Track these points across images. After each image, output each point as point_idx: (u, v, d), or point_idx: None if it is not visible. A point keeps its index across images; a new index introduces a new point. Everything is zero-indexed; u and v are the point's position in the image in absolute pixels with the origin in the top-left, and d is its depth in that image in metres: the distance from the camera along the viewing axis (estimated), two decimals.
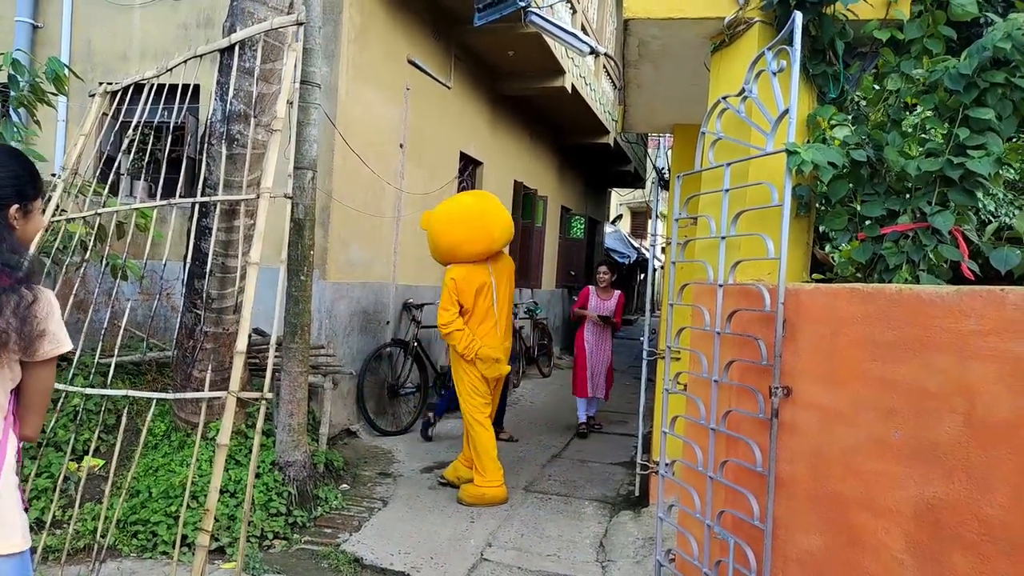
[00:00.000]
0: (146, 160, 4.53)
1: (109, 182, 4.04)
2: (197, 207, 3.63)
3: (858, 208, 2.81)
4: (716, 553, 2.86)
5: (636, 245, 23.09)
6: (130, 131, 4.00)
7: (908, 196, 2.73)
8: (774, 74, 2.68)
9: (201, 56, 3.66)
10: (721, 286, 2.87)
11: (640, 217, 31.10)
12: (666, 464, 3.35)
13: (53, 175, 4.47)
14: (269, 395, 3.05)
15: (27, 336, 1.57)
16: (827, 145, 2.69)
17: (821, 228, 3.53)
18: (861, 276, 2.82)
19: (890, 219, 2.73)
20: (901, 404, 2.13)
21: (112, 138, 4.57)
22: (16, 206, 1.66)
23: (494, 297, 4.61)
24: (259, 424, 3.01)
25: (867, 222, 2.77)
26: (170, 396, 3.34)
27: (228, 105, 3.58)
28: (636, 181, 16.59)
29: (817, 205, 3.01)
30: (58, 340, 1.65)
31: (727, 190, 2.88)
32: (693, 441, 3.02)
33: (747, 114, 2.86)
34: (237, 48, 3.49)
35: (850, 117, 2.91)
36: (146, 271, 4.15)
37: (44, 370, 1.68)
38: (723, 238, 2.88)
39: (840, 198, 2.83)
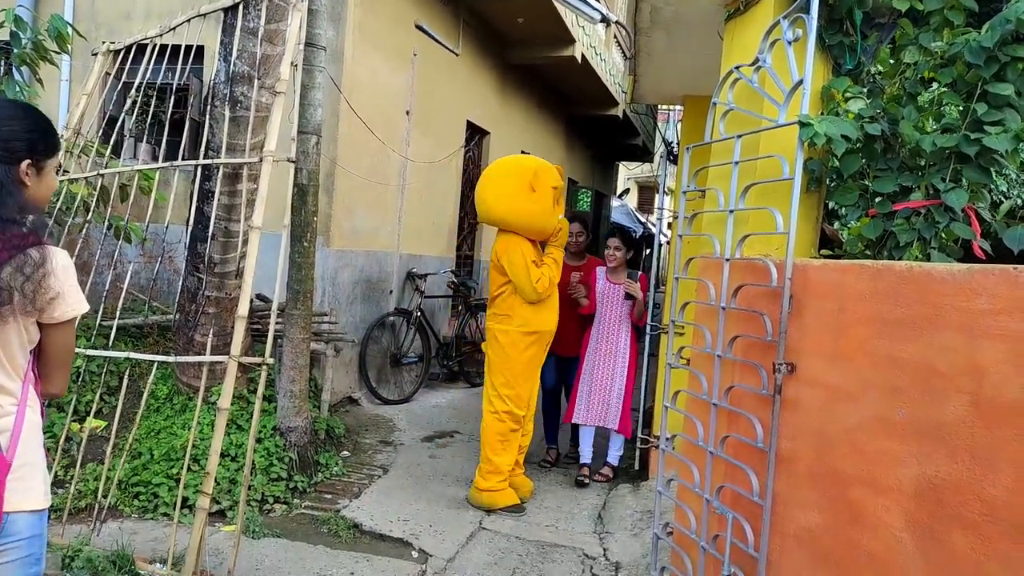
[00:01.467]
0: (149, 122, 4.48)
1: (112, 143, 4.00)
2: (200, 170, 3.59)
3: (870, 184, 2.76)
4: (714, 527, 2.86)
5: (643, 220, 22.97)
6: (132, 92, 3.95)
7: (922, 172, 2.67)
8: (789, 43, 2.61)
9: (205, 15, 3.60)
10: (728, 260, 2.83)
11: (647, 192, 30.90)
12: (667, 438, 3.34)
13: (60, 135, 4.42)
14: (270, 360, 3.04)
15: (35, 296, 1.53)
16: (841, 118, 2.64)
17: (830, 204, 3.48)
18: (871, 253, 2.77)
19: (902, 195, 2.68)
20: (907, 383, 2.11)
21: (115, 98, 4.51)
22: (28, 161, 1.59)
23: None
24: (260, 389, 3.00)
25: (878, 198, 2.72)
26: (172, 359, 3.34)
27: (231, 66, 3.52)
28: (644, 154, 16.43)
29: (828, 180, 2.96)
30: (75, 302, 1.62)
31: (737, 162, 2.82)
32: (694, 416, 3.00)
33: (760, 85, 2.80)
34: (241, 7, 3.43)
35: (865, 90, 2.84)
36: (148, 234, 4.12)
37: (63, 333, 1.65)
38: (731, 211, 2.83)
39: (852, 173, 2.78)
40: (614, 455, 4.98)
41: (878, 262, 2.27)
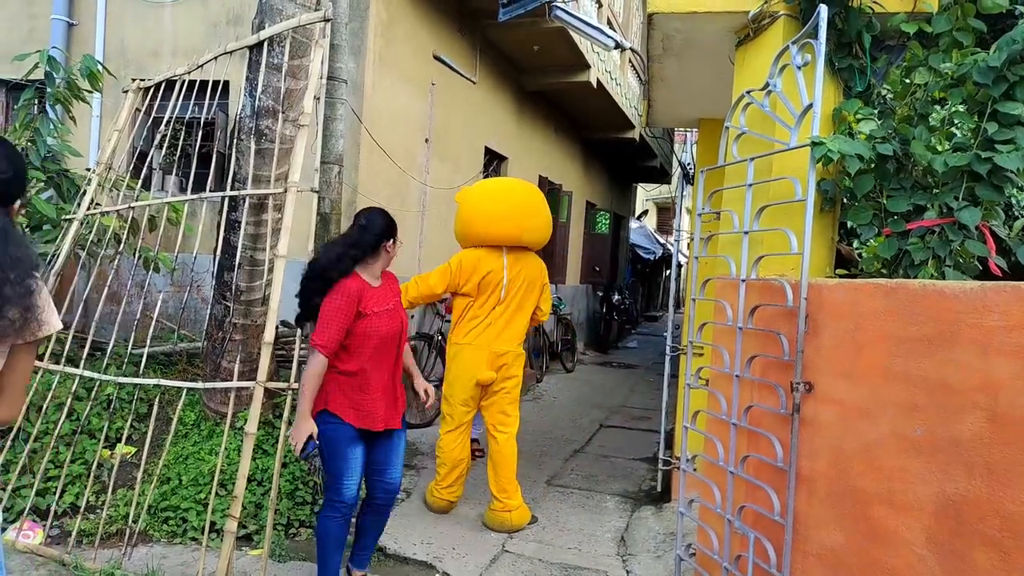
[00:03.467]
0: (177, 155, 4.62)
1: (141, 177, 4.15)
2: (227, 201, 3.70)
3: (884, 203, 2.80)
4: (736, 548, 2.86)
5: (662, 241, 22.97)
6: (162, 127, 4.09)
7: (935, 191, 2.71)
8: (799, 68, 2.67)
9: (231, 52, 3.73)
10: (744, 281, 2.87)
11: (666, 213, 30.90)
12: (687, 459, 3.36)
13: (88, 169, 4.57)
14: (295, 385, 3.11)
15: (29, 324, 1.60)
16: (853, 139, 2.68)
17: (849, 224, 3.51)
18: (886, 272, 2.80)
19: (916, 214, 2.71)
20: (923, 400, 2.12)
21: (144, 133, 4.67)
22: (20, 201, 1.74)
23: (501, 295, 4.19)
24: (285, 414, 3.08)
25: (892, 217, 2.75)
26: (199, 385, 3.42)
27: (256, 101, 3.64)
28: (662, 176, 16.50)
29: (843, 200, 2.99)
30: (49, 323, 1.66)
31: (750, 185, 2.87)
32: (714, 436, 3.03)
33: (771, 108, 2.85)
34: (266, 44, 3.55)
35: (876, 111, 2.89)
36: (177, 264, 4.24)
37: (29, 351, 1.68)
38: (746, 233, 2.87)
39: (865, 193, 2.81)
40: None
41: (892, 280, 2.30)
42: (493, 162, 8.44)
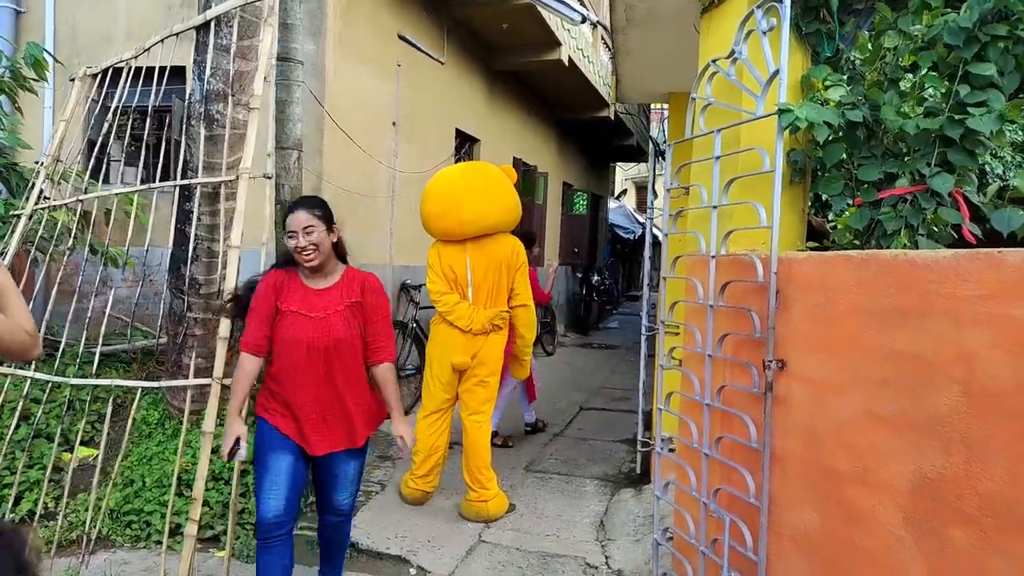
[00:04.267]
0: (132, 145, 4.45)
1: (100, 168, 3.98)
2: (179, 191, 3.55)
3: (855, 172, 2.71)
4: (712, 531, 2.79)
5: (641, 220, 22.89)
6: (109, 115, 3.92)
7: (906, 158, 2.62)
8: (764, 33, 2.56)
9: (178, 34, 3.56)
10: (713, 257, 2.77)
11: (645, 192, 30.78)
12: (662, 441, 3.28)
13: (37, 162, 4.39)
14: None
15: None
16: (821, 106, 2.58)
17: (824, 196, 3.42)
18: (859, 244, 2.71)
19: (888, 183, 2.62)
20: (897, 375, 2.04)
21: (98, 123, 4.48)
22: None
23: (468, 282, 4.11)
24: (244, 411, 2.95)
25: (864, 187, 2.66)
26: (155, 384, 3.29)
27: (206, 84, 3.48)
28: (639, 155, 16.39)
29: (813, 170, 2.90)
30: None
31: (718, 157, 2.77)
32: (688, 417, 2.94)
33: (737, 77, 2.75)
34: (213, 24, 3.39)
35: (845, 77, 2.79)
36: (132, 257, 4.07)
37: None
38: (715, 207, 2.78)
39: (836, 162, 2.72)
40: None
41: (862, 252, 2.22)
42: (465, 144, 8.29)
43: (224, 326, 2.98)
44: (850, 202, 2.71)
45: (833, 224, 3.04)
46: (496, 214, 4.12)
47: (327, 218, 2.68)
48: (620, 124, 12.41)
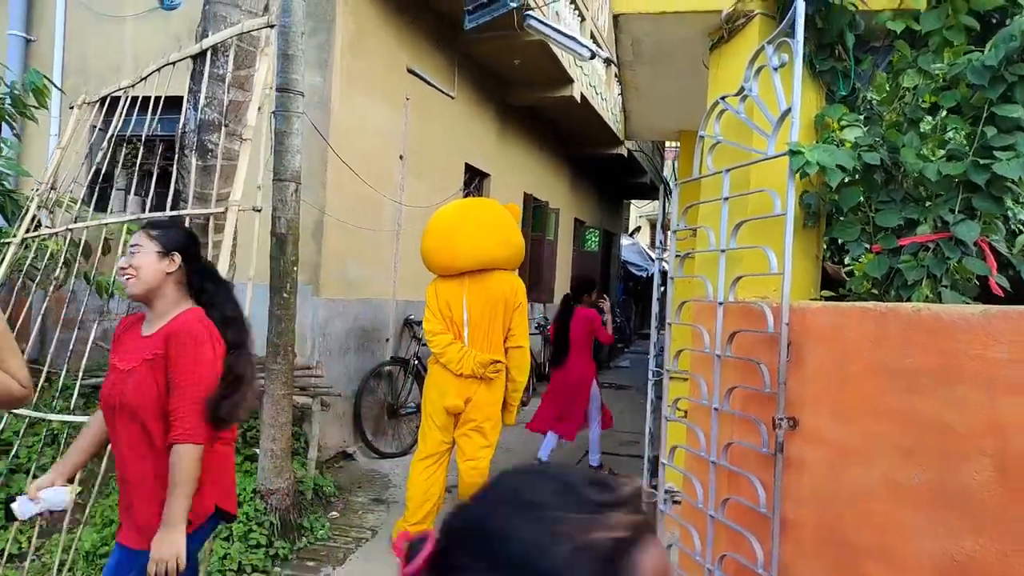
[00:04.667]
0: (136, 173, 4.36)
1: (95, 196, 3.89)
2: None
3: (872, 217, 2.55)
4: None
5: (655, 258, 22.71)
6: (105, 144, 3.84)
7: (928, 203, 2.46)
8: (775, 69, 2.42)
9: (174, 63, 3.49)
10: (721, 304, 2.61)
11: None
12: (664, 496, 3.09)
13: (34, 190, 4.32)
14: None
15: None
16: (835, 147, 2.43)
17: (841, 241, 3.26)
18: (877, 293, 2.54)
19: (908, 229, 2.46)
20: (921, 443, 1.86)
21: (102, 152, 4.41)
22: None
23: (464, 319, 3.96)
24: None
25: (882, 232, 2.50)
26: None
27: (200, 113, 3.39)
28: (652, 192, 16.29)
29: (828, 214, 2.74)
30: None
31: (727, 198, 2.62)
32: (693, 474, 2.75)
33: (747, 115, 2.61)
34: (209, 54, 3.31)
35: (862, 117, 2.64)
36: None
37: None
38: (723, 251, 2.62)
39: (852, 206, 2.56)
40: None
41: (882, 304, 2.04)
42: (475, 179, 8.20)
43: None
44: (868, 247, 2.54)
45: (850, 271, 2.87)
46: (492, 248, 3.99)
47: (167, 242, 2.13)
48: (633, 161, 12.33)
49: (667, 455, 2.98)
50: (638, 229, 24.27)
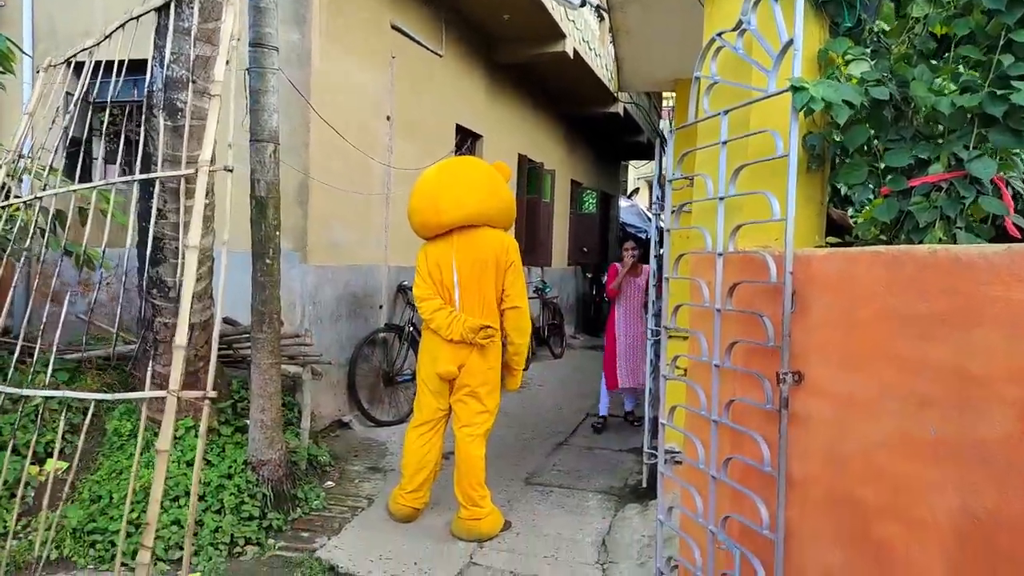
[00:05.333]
0: (112, 141, 4.20)
1: (84, 169, 3.72)
2: (139, 187, 3.27)
3: (880, 158, 2.39)
4: (721, 564, 2.48)
5: (652, 216, 22.46)
6: (72, 108, 3.67)
7: (940, 141, 2.31)
8: (775, 1, 2.24)
9: (138, 17, 3.29)
10: (720, 255, 2.46)
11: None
12: (667, 454, 2.98)
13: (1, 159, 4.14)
14: (212, 394, 2.70)
15: None
16: (841, 83, 2.27)
17: (842, 189, 3.10)
18: (886, 239, 2.40)
19: (919, 169, 2.30)
20: (937, 392, 1.73)
21: (69, 115, 4.22)
22: None
23: (454, 280, 3.83)
24: (203, 428, 2.68)
25: (891, 174, 2.35)
26: (106, 397, 3.02)
27: (166, 71, 3.21)
28: (650, 152, 16.01)
29: (833, 157, 2.58)
30: None
31: (725, 142, 2.46)
32: (694, 434, 2.63)
33: (746, 51, 2.43)
34: (173, 6, 3.12)
35: (869, 50, 2.47)
36: (109, 259, 3.81)
37: None
38: (721, 199, 2.46)
39: (859, 147, 2.41)
40: (631, 404, 6.45)
41: (894, 247, 1.90)
42: (466, 141, 8.00)
43: (181, 334, 2.70)
44: (875, 192, 2.39)
45: (856, 217, 2.72)
46: (478, 202, 3.83)
47: None
48: (630, 120, 12.08)
49: (666, 415, 2.86)
50: (636, 191, 23.95)
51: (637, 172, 24.76)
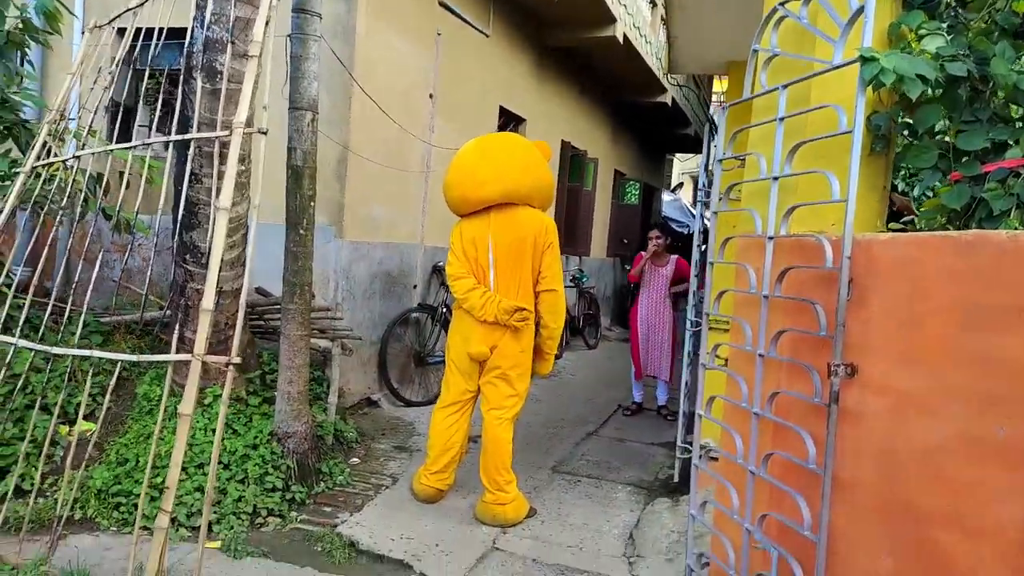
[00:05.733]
0: (158, 108, 4.18)
1: (126, 133, 3.71)
2: (176, 149, 3.23)
3: (951, 140, 2.22)
4: (757, 564, 2.35)
5: (696, 214, 22.08)
6: (114, 69, 3.65)
7: (1020, 124, 2.13)
8: None
9: None
10: (771, 239, 2.32)
11: None
12: (702, 449, 2.85)
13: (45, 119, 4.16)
14: (236, 359, 2.66)
15: None
16: (914, 56, 2.10)
17: (899, 184, 2.93)
18: (952, 228, 2.23)
19: (995, 153, 2.13)
20: (1008, 391, 1.57)
21: (111, 76, 4.21)
22: None
23: (489, 260, 3.70)
24: (225, 393, 2.64)
25: (964, 158, 2.17)
26: (132, 357, 3.00)
27: (206, 31, 3.16)
28: (697, 146, 15.71)
29: (898, 139, 2.41)
30: None
31: (782, 118, 2.31)
32: (733, 427, 2.50)
33: (810, 21, 2.28)
34: None
35: (945, 25, 2.29)
36: (145, 223, 3.80)
37: None
38: (775, 178, 2.31)
39: (928, 128, 2.24)
40: (663, 398, 6.25)
41: (967, 232, 1.74)
42: (509, 124, 7.88)
43: (208, 298, 2.65)
44: (945, 175, 2.22)
45: (920, 204, 2.54)
46: (517, 177, 3.71)
47: None
48: (678, 111, 11.83)
49: (704, 406, 2.73)
50: (680, 185, 23.56)
51: (682, 167, 24.36)
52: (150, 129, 5.62)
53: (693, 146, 15.79)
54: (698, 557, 2.78)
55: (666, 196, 17.55)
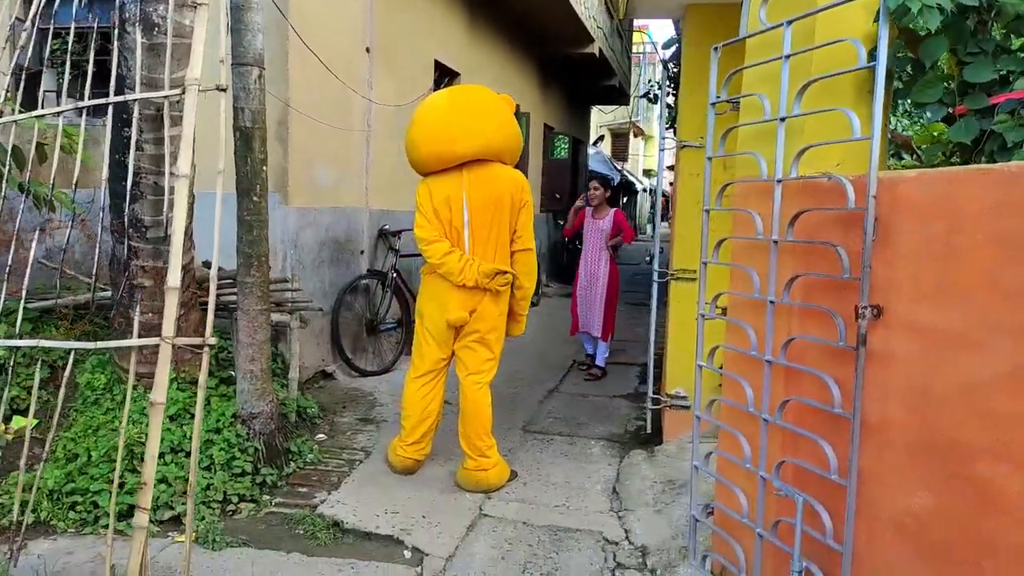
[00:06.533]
0: (71, 72, 3.73)
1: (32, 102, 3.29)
2: (114, 113, 2.90)
3: (955, 75, 2.19)
4: (772, 511, 2.34)
5: (619, 167, 22.33)
6: (25, 34, 3.23)
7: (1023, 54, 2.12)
8: None
9: None
10: (780, 182, 2.26)
11: (621, 139, 30.18)
12: (670, 397, 2.82)
13: None
14: (212, 340, 2.43)
15: None
16: None
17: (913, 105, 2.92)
18: (960, 162, 2.22)
19: (1000, 86, 2.12)
20: None
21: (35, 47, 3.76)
22: None
23: (464, 220, 3.51)
24: (203, 376, 2.42)
25: (969, 92, 2.16)
26: (89, 345, 2.70)
27: None
28: (620, 97, 15.76)
29: (898, 76, 2.38)
30: None
31: (788, 56, 2.23)
32: (740, 376, 2.47)
33: None
34: None
35: None
36: (75, 201, 3.43)
37: None
38: (782, 120, 2.25)
39: (933, 63, 2.20)
40: (601, 358, 6.12)
41: (1008, 164, 1.71)
42: (444, 78, 7.60)
43: (174, 275, 2.40)
44: (950, 110, 2.20)
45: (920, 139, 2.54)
46: (492, 132, 3.52)
47: None
48: (604, 63, 11.74)
49: (706, 357, 2.69)
50: (601, 138, 23.72)
51: (601, 119, 24.44)
52: (58, 95, 5.11)
53: (616, 97, 15.80)
54: (703, 507, 2.77)
55: (591, 150, 17.60)
